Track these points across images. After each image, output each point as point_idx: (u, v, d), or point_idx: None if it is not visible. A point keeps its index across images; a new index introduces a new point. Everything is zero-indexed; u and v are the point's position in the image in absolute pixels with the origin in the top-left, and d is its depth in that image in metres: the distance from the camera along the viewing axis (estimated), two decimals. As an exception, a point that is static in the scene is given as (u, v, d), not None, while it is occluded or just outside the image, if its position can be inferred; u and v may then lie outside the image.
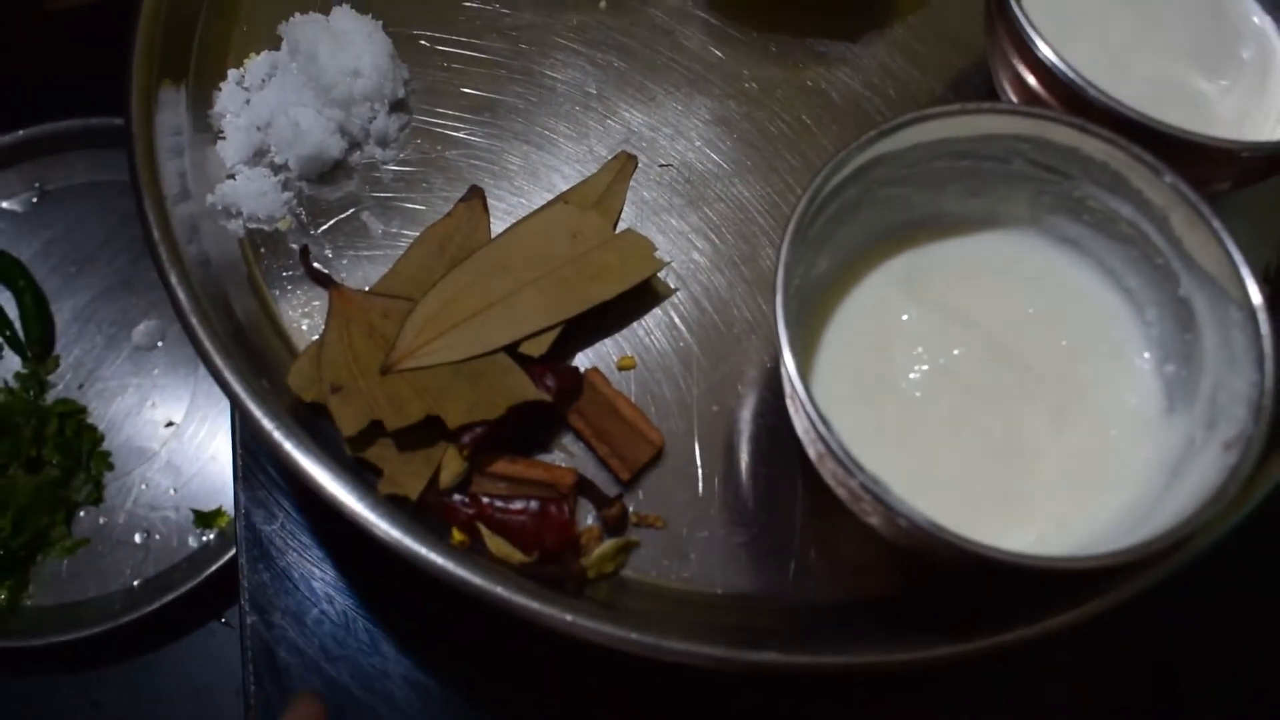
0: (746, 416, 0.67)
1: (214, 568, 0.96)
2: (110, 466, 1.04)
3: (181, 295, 0.66)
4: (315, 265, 0.70)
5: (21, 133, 1.13)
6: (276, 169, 0.73)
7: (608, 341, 0.68)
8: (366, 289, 0.69)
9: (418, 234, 0.70)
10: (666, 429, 0.65)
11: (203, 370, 1.06)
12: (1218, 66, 0.72)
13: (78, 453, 1.03)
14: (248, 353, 0.66)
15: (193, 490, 1.03)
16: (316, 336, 0.68)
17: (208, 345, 0.65)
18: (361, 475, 0.62)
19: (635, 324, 0.68)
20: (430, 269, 0.69)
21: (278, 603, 0.74)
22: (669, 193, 0.72)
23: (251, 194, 0.71)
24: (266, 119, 0.73)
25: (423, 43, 0.77)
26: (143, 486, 1.03)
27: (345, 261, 0.70)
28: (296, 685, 0.72)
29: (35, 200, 1.13)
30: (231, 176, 0.73)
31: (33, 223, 1.13)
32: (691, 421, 0.66)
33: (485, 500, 0.61)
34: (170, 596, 0.96)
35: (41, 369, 1.07)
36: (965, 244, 0.67)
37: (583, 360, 0.68)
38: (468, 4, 0.79)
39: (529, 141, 0.74)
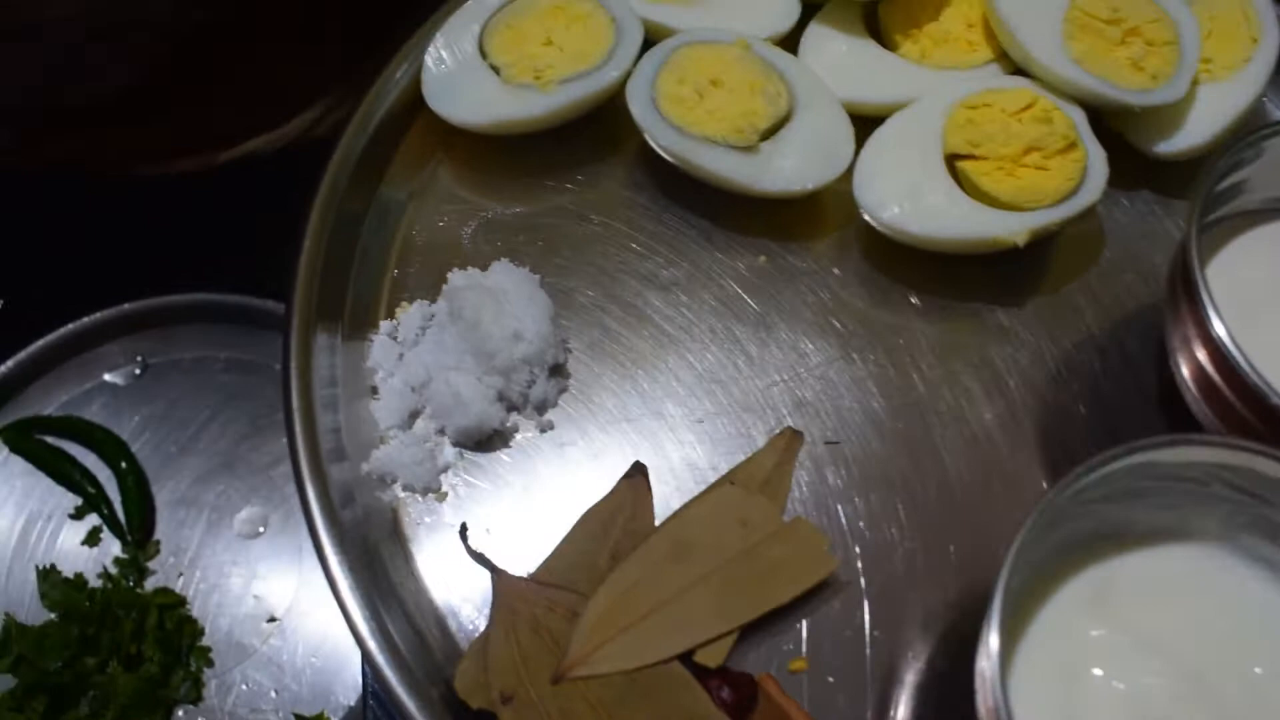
0: (923, 729, 0.64)
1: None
2: (210, 663, 1.01)
3: (340, 578, 0.65)
4: (475, 548, 0.68)
5: (127, 306, 1.11)
6: (429, 436, 0.71)
7: (777, 637, 0.66)
8: (528, 573, 0.67)
9: (577, 511, 0.68)
10: (842, 743, 0.63)
11: (307, 563, 1.04)
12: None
13: (177, 648, 1.00)
14: (407, 643, 0.64)
15: (294, 692, 1.00)
16: (469, 620, 0.66)
17: (367, 636, 0.63)
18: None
19: (805, 619, 0.66)
20: (594, 554, 0.67)
21: None
22: (835, 472, 0.71)
23: (407, 462, 0.70)
24: (422, 378, 0.72)
25: (579, 299, 0.76)
26: (243, 686, 1.01)
27: (504, 540, 0.69)
28: None
29: (138, 374, 1.12)
30: (384, 440, 0.71)
31: (134, 397, 1.12)
32: (868, 736, 0.64)
33: (665, 832, 0.59)
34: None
35: (141, 554, 1.04)
36: (1152, 558, 0.65)
37: (752, 658, 0.66)
38: (628, 250, 0.77)
39: (685, 405, 0.73)
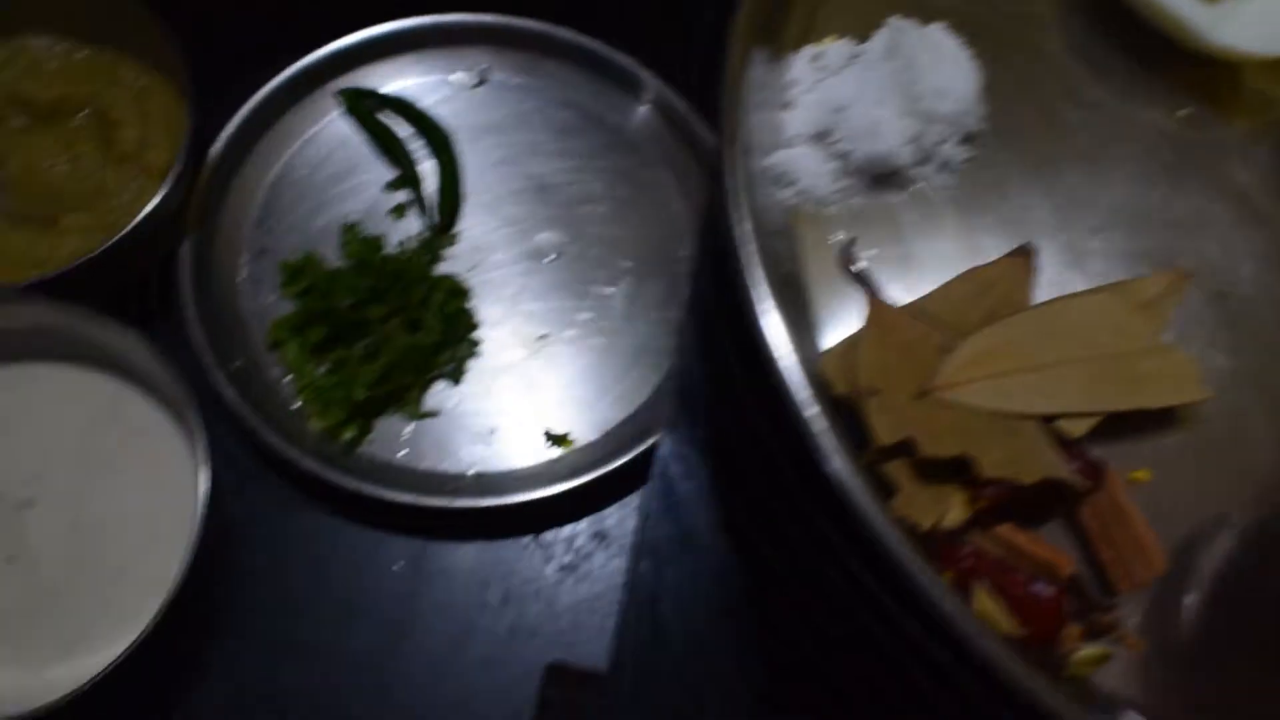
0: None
1: (564, 487, 0.97)
2: (476, 354, 1.05)
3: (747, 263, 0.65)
4: (858, 268, 0.69)
5: (489, 17, 1.16)
6: (835, 156, 0.72)
7: (1119, 441, 0.66)
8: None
9: (942, 277, 0.69)
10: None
11: (584, 299, 1.07)
12: None
13: (454, 329, 1.04)
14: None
15: (547, 415, 1.04)
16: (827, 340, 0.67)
17: (762, 321, 0.63)
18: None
19: (1154, 435, 0.66)
20: (964, 313, 0.68)
21: (672, 557, 0.74)
22: (1207, 327, 0.70)
23: (809, 169, 0.71)
24: (841, 104, 0.73)
25: (1009, 85, 0.76)
26: (500, 393, 1.05)
27: (881, 274, 0.70)
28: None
29: (475, 84, 1.16)
30: (791, 144, 0.72)
31: (470, 103, 1.16)
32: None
33: (991, 559, 0.60)
34: (496, 501, 0.97)
35: (442, 239, 1.09)
36: None
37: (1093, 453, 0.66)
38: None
39: (1085, 226, 0.72)
